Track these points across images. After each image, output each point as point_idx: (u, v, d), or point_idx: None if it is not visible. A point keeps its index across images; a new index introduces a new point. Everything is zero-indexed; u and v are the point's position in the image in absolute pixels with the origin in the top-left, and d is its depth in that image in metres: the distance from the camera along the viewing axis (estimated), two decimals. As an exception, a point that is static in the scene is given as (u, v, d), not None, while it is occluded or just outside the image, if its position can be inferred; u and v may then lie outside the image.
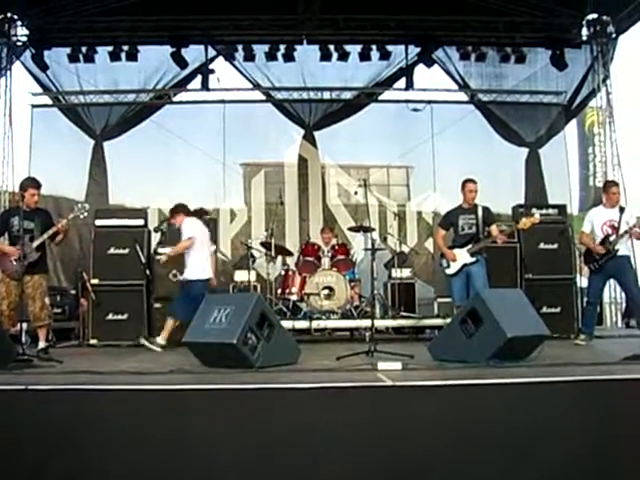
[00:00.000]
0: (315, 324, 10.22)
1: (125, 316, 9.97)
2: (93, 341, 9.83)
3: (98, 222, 10.40)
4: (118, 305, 9.99)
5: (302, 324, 10.21)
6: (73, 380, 5.26)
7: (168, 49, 13.56)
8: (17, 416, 4.53)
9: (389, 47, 13.88)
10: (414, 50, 14.08)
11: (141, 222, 10.54)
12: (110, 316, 9.97)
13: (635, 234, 8.50)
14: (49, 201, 11.65)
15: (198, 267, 8.89)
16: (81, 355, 8.41)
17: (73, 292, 11.39)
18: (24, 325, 7.95)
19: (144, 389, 4.77)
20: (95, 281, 10.03)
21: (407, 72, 14.20)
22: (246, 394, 4.69)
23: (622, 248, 8.54)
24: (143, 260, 10.00)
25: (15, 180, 12.82)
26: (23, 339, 7.71)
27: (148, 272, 10.04)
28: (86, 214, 8.22)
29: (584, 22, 13.84)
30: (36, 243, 7.72)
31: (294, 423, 4.50)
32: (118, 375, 5.75)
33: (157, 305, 10.08)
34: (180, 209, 9.36)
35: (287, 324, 9.10)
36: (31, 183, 7.96)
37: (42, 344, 7.85)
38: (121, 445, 4.44)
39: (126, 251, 10.14)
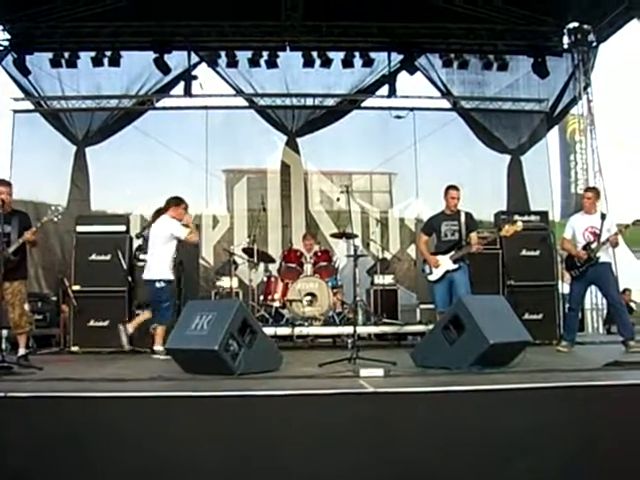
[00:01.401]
0: (297, 331, 10.20)
1: (107, 323, 9.88)
2: (74, 348, 9.75)
3: (79, 228, 10.32)
4: (99, 312, 9.90)
5: (284, 331, 10.18)
6: (53, 387, 5.22)
7: (151, 55, 13.54)
8: (-4, 423, 4.50)
9: (372, 54, 13.94)
10: (397, 57, 14.14)
11: (123, 228, 10.46)
12: (91, 323, 9.89)
13: (613, 242, 8.57)
14: (30, 207, 11.56)
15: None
16: (62, 362, 8.35)
17: (54, 299, 11.34)
18: (4, 332, 7.91)
19: (125, 396, 4.74)
20: (76, 287, 9.95)
21: (390, 79, 14.25)
22: (227, 401, 4.67)
23: (603, 255, 8.60)
24: (125, 266, 9.96)
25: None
26: (3, 346, 7.68)
27: (130, 278, 10.00)
28: (60, 217, 8.09)
29: (565, 30, 13.93)
30: (12, 248, 7.60)
31: (276, 430, 4.48)
32: (99, 382, 5.71)
33: (139, 312, 9.98)
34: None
35: (269, 331, 9.08)
36: None
37: (22, 351, 7.77)
38: (102, 452, 4.40)
39: (108, 257, 10.07)
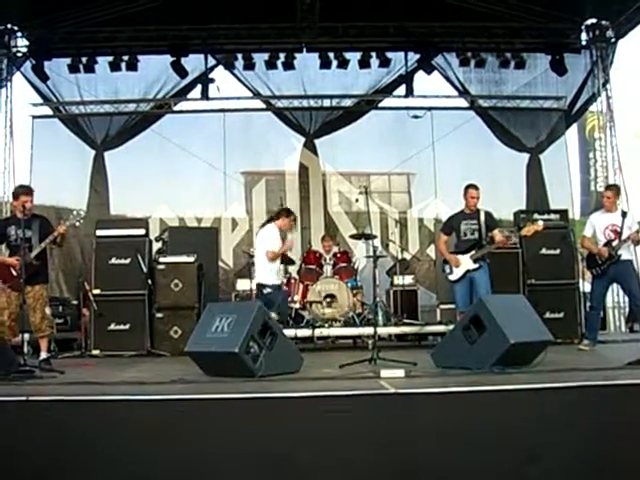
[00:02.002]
0: (318, 332, 10.19)
1: (127, 326, 9.94)
2: (95, 351, 9.79)
3: (99, 232, 10.36)
4: (120, 315, 9.95)
5: (305, 332, 10.17)
6: (75, 391, 5.24)
7: (168, 58, 13.59)
8: (18, 427, 4.51)
9: (389, 54, 13.91)
10: (414, 57, 14.11)
11: (142, 232, 10.48)
12: (112, 326, 9.92)
13: (634, 239, 8.49)
14: (50, 211, 11.64)
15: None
16: (83, 366, 8.38)
17: (75, 302, 11.40)
18: (26, 336, 7.96)
19: (146, 399, 4.75)
20: (97, 291, 9.99)
21: (407, 79, 14.22)
22: (248, 403, 4.66)
23: (625, 253, 8.52)
24: (145, 270, 9.98)
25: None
26: (25, 349, 7.72)
27: (150, 282, 10.02)
28: (82, 221, 8.13)
29: (583, 27, 13.85)
30: (35, 252, 7.66)
31: (297, 432, 4.47)
32: (120, 385, 5.72)
33: (159, 315, 10.02)
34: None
35: (289, 332, 9.08)
36: (23, 190, 7.89)
37: (44, 355, 7.82)
38: (123, 455, 4.41)
39: (127, 261, 10.10)
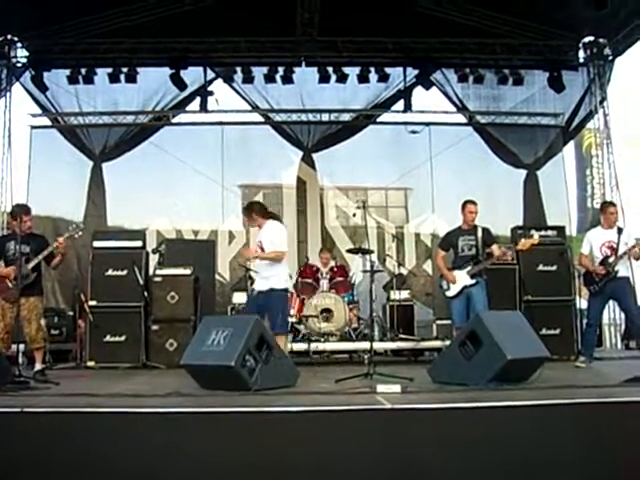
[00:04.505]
0: (314, 346, 10.17)
1: (123, 338, 9.89)
2: (90, 363, 9.75)
3: (96, 244, 10.33)
4: (116, 327, 9.90)
5: (300, 346, 10.16)
6: (70, 402, 5.22)
7: (167, 71, 13.59)
8: (13, 438, 4.49)
9: (387, 69, 13.92)
10: (412, 72, 14.14)
11: (139, 244, 10.43)
12: (108, 338, 9.88)
13: (634, 255, 8.48)
14: (47, 222, 11.64)
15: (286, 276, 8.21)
16: (78, 377, 8.35)
17: (71, 314, 11.35)
18: (21, 347, 7.94)
19: (141, 412, 4.73)
20: (93, 303, 9.96)
21: (405, 94, 14.24)
22: (243, 417, 4.65)
23: (621, 269, 8.53)
24: (141, 282, 9.94)
25: (13, 201, 12.74)
26: (20, 361, 7.70)
27: (146, 294, 9.99)
28: (81, 233, 8.18)
29: (581, 45, 13.92)
30: (32, 264, 7.74)
31: (292, 447, 4.45)
32: (115, 398, 5.70)
33: (155, 327, 9.99)
34: (257, 208, 8.22)
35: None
36: (22, 210, 7.96)
37: (38, 366, 7.83)
38: (118, 467, 4.39)
39: (124, 273, 10.06)
